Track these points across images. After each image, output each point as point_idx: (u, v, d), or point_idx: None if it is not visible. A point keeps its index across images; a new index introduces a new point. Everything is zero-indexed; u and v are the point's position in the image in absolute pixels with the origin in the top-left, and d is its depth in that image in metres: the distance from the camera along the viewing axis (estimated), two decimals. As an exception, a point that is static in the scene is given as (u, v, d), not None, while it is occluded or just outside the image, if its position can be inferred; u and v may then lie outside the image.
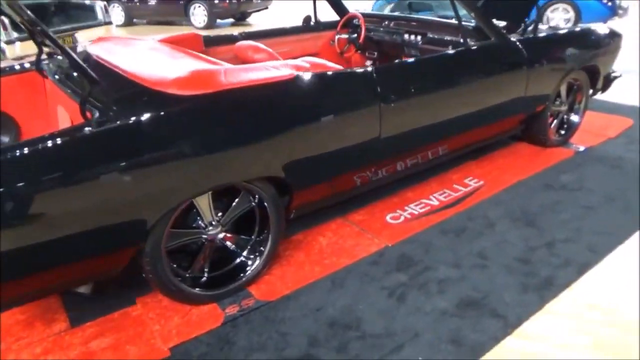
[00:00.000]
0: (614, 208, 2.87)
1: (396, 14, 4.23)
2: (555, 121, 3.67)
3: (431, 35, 3.46)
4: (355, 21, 4.02)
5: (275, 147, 2.12)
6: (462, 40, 2.88)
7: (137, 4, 11.58)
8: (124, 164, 1.74)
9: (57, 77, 2.54)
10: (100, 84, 1.86)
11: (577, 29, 3.62)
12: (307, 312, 2.13)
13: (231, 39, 3.49)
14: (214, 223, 2.15)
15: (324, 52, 4.09)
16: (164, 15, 11.54)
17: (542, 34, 3.33)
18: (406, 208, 2.94)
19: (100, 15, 7.08)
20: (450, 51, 2.85)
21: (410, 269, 2.39)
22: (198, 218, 2.13)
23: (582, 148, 3.70)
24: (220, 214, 2.19)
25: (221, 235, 2.21)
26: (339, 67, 2.52)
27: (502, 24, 3.27)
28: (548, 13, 8.52)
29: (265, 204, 2.22)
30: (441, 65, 2.79)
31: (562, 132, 3.75)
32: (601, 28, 3.71)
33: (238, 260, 2.30)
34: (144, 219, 1.84)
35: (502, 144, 3.76)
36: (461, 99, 2.87)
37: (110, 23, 7.23)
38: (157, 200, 1.84)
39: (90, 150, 1.73)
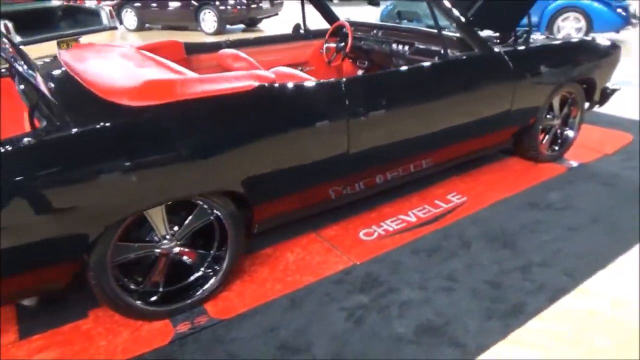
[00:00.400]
0: (599, 230, 2.73)
1: (386, 23, 4.12)
2: (547, 136, 3.54)
3: (418, 46, 3.37)
4: (344, 30, 3.95)
5: (232, 161, 2.06)
6: (442, 52, 2.78)
7: (150, 9, 11.69)
8: (63, 175, 1.69)
9: (20, 85, 2.53)
10: (46, 94, 1.83)
11: (571, 40, 3.48)
12: (259, 333, 2.05)
13: (214, 47, 3.46)
14: (167, 237, 2.10)
15: (314, 60, 4.03)
16: (175, 20, 11.64)
17: (532, 45, 3.21)
18: (382, 224, 2.85)
19: (105, 20, 7.14)
20: (428, 63, 2.76)
21: (373, 290, 2.29)
22: (152, 231, 2.08)
23: (575, 164, 3.55)
24: (176, 227, 2.13)
25: (176, 250, 2.15)
26: (309, 78, 2.46)
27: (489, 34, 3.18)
28: (559, 22, 8.32)
29: (223, 219, 2.16)
30: (417, 77, 2.69)
31: (556, 147, 3.61)
32: (598, 40, 3.57)
33: (195, 275, 2.24)
34: (85, 233, 1.79)
35: (493, 158, 3.64)
36: (440, 113, 2.77)
37: (115, 28, 7.28)
38: (98, 214, 1.79)
39: (28, 160, 1.69)
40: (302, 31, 4.03)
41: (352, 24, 3.92)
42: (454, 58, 2.83)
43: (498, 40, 3.38)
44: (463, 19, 2.85)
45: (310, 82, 2.33)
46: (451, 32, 3.24)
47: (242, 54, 3.12)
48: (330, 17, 4.01)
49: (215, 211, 2.14)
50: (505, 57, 2.97)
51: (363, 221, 2.88)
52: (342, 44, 3.76)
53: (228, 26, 11.37)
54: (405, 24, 4.40)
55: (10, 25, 5.89)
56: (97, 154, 1.78)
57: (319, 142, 2.31)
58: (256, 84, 2.12)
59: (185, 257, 2.21)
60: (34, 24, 6.60)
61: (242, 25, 12.10)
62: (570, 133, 3.63)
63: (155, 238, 2.09)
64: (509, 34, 3.29)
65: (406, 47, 3.45)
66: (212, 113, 2.03)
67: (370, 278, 2.38)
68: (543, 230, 2.74)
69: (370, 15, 4.74)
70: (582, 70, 3.38)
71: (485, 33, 3.43)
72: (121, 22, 12.40)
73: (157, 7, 11.53)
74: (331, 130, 2.33)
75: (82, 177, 1.73)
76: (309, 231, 2.79)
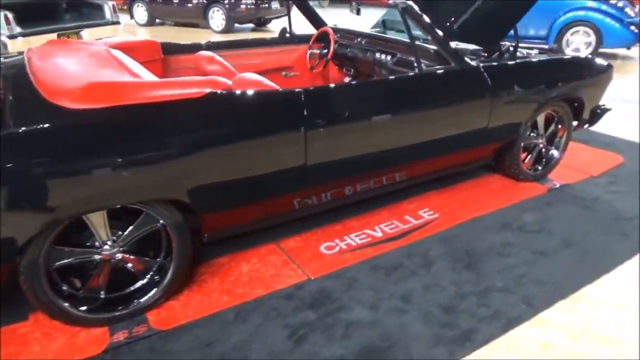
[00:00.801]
0: (568, 256, 2.62)
1: (371, 31, 4.04)
2: (531, 154, 3.43)
3: (401, 56, 3.29)
4: (329, 36, 3.89)
5: (177, 169, 2.00)
6: (415, 64, 2.70)
7: (160, 4, 11.75)
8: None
9: None
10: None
11: (560, 57, 3.37)
12: (196, 347, 2.00)
13: (194, 49, 3.41)
14: (109, 243, 2.05)
15: (298, 66, 3.97)
16: (184, 17, 11.67)
17: (514, 61, 3.11)
18: (345, 238, 2.77)
19: (108, 14, 7.17)
20: (398, 76, 2.69)
21: (322, 307, 2.22)
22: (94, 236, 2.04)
23: (557, 185, 3.44)
24: (120, 233, 2.09)
25: (119, 256, 2.10)
26: (272, 86, 2.40)
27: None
28: (568, 36, 8.15)
29: (168, 228, 2.10)
30: (386, 90, 2.62)
31: (539, 166, 3.50)
32: (589, 57, 3.46)
33: (139, 283, 2.19)
34: (12, 237, 1.75)
35: (473, 174, 3.54)
36: (410, 127, 2.70)
37: (118, 23, 7.31)
38: (27, 218, 1.75)
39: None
40: (287, 35, 3.98)
41: (338, 30, 3.86)
42: (427, 72, 2.75)
43: (485, 54, 3.30)
44: (440, 32, 2.76)
45: (267, 91, 2.27)
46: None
47: (217, 57, 3.07)
48: (316, 22, 3.95)
49: (160, 219, 2.09)
50: (484, 72, 2.87)
51: (327, 234, 2.81)
52: (325, 50, 3.69)
53: (237, 25, 11.37)
54: (392, 34, 4.30)
55: (10, 16, 5.91)
56: (30, 156, 1.74)
57: (274, 153, 2.25)
58: (207, 90, 2.06)
59: (130, 265, 2.16)
60: (37, 15, 6.64)
61: (251, 25, 12.10)
62: (555, 153, 3.52)
63: (97, 243, 2.05)
64: (492, 48, 3.20)
65: (389, 57, 3.37)
66: (156, 119, 1.98)
67: (322, 294, 2.31)
68: (511, 253, 2.65)
69: (372, 20, 4.66)
70: (569, 88, 3.27)
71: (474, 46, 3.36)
72: (132, 17, 12.49)
73: (167, 3, 11.58)
74: (287, 141, 2.26)
75: (12, 179, 1.69)
76: (269, 241, 2.73)
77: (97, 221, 1.99)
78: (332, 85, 2.42)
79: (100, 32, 7.13)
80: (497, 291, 2.34)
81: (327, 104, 2.38)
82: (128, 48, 3.10)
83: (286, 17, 11.64)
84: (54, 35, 6.41)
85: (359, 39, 3.67)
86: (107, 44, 3.07)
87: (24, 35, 6.07)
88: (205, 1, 10.96)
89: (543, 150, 3.49)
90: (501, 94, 2.93)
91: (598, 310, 2.24)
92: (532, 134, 3.38)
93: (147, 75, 2.40)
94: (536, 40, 8.15)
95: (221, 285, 2.37)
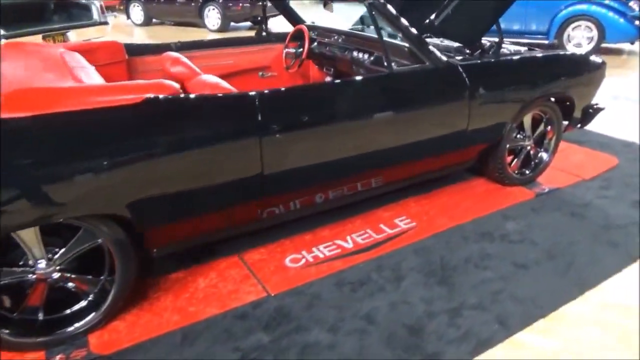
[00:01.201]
0: (551, 269, 2.44)
1: (349, 29, 3.85)
2: (517, 157, 3.24)
3: (377, 55, 3.11)
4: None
5: (112, 182, 1.84)
6: (385, 64, 2.52)
7: (156, 4, 11.63)
8: None
9: None
10: None
11: (547, 53, 3.17)
12: (135, 373, 1.85)
13: (161, 49, 3.25)
14: (44, 261, 1.90)
15: (276, 66, 3.81)
16: (179, 16, 11.55)
17: (495, 59, 2.92)
18: (313, 249, 2.61)
19: (95, 15, 7.04)
20: (361, 77, 2.52)
21: (279, 328, 2.06)
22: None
23: (546, 189, 3.25)
24: (58, 250, 1.94)
25: (56, 275, 1.95)
26: (230, 89, 2.24)
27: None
28: (569, 31, 7.89)
29: (107, 244, 1.95)
30: (350, 92, 2.44)
31: (527, 170, 3.30)
32: (579, 54, 3.26)
33: (82, 303, 2.04)
34: None
35: (457, 179, 3.36)
36: (379, 130, 2.52)
37: (106, 23, 7.17)
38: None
39: None
40: (264, 34, 3.82)
41: (315, 28, 3.68)
42: (398, 71, 2.57)
43: (468, 52, 3.11)
44: (412, 30, 2.58)
45: (216, 95, 2.11)
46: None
47: (182, 59, 2.91)
48: (293, 19, 3.78)
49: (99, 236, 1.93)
50: (462, 71, 2.69)
51: (295, 245, 2.65)
52: (301, 49, 3.52)
53: (234, 24, 11.21)
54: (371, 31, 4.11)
55: (-8, 18, 5.79)
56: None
57: (225, 162, 2.08)
58: (145, 96, 1.90)
59: (71, 284, 2.02)
60: (24, 17, 6.53)
61: (248, 23, 11.93)
62: (544, 155, 3.32)
63: (30, 262, 1.90)
64: (474, 45, 3.01)
65: (366, 56, 3.19)
66: (88, 127, 1.82)
67: (280, 313, 2.15)
68: (489, 265, 2.46)
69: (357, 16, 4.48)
70: (557, 87, 3.08)
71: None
72: (128, 17, 12.39)
73: (163, 2, 11.46)
74: (239, 149, 2.10)
75: None
76: (232, 253, 2.57)
77: (29, 238, 1.84)
78: (288, 87, 2.25)
79: (87, 33, 7.01)
80: (470, 308, 2.16)
81: (285, 108, 2.21)
82: (88, 50, 2.96)
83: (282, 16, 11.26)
84: (38, 37, 6.30)
85: (335, 37, 3.50)
86: (66, 45, 2.94)
87: (7, 37, 5.95)
88: (200, 0, 10.83)
89: (531, 152, 3.30)
90: (481, 94, 2.74)
91: (579, 330, 2.06)
92: (518, 136, 3.19)
93: (93, 80, 2.25)
94: (537, 36, 7.91)
95: (174, 302, 2.22)
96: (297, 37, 3.64)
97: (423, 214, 2.95)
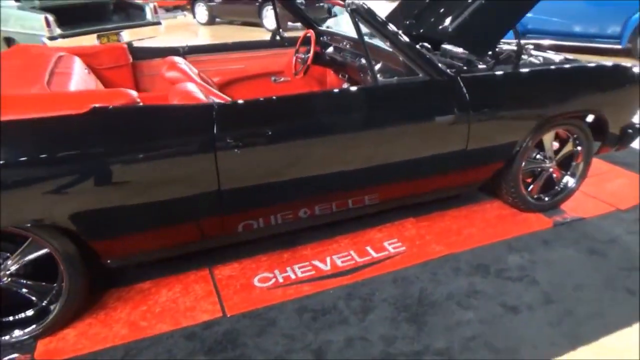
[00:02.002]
0: (545, 315, 2.12)
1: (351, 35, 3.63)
2: (536, 181, 2.89)
3: (384, 63, 2.89)
4: (323, 39, 3.57)
5: (52, 192, 1.82)
6: (370, 76, 2.32)
7: (219, 4, 11.93)
8: None
9: None
10: None
11: (575, 65, 2.78)
12: (66, 388, 1.82)
13: (167, 53, 3.25)
14: (-8, 267, 1.93)
15: (289, 70, 3.69)
16: (240, 15, 11.76)
17: (504, 71, 2.60)
18: (288, 269, 2.47)
19: (149, 15, 7.32)
20: (338, 90, 2.33)
21: (220, 354, 1.95)
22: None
23: (568, 219, 2.87)
24: (10, 255, 1.96)
25: (6, 280, 1.97)
26: (202, 99, 2.16)
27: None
28: (648, 34, 7.05)
29: (54, 254, 1.94)
30: (322, 105, 2.27)
31: (546, 196, 2.93)
32: (614, 65, 2.84)
33: (29, 312, 2.04)
34: None
35: (469, 200, 3.06)
36: (359, 147, 2.33)
37: (158, 23, 7.44)
38: None
39: None
40: (278, 38, 3.72)
41: (328, 33, 3.52)
42: (384, 83, 2.36)
43: (481, 61, 2.82)
44: (402, 37, 2.36)
45: (168, 106, 2.04)
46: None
47: (180, 63, 2.88)
48: (307, 22, 3.64)
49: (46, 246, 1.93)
50: (461, 84, 2.42)
51: (270, 262, 2.53)
52: (308, 55, 3.38)
53: (290, 24, 11.23)
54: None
55: (51, 18, 6.18)
56: None
57: (176, 176, 2.00)
58: (92, 106, 1.85)
59: (24, 290, 2.03)
60: (84, 17, 6.92)
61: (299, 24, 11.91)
62: (570, 180, 2.94)
63: (-19, 266, 1.93)
64: (483, 55, 2.72)
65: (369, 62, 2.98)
66: (31, 136, 1.81)
67: (228, 337, 2.04)
68: (472, 305, 2.20)
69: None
70: (583, 103, 2.71)
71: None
72: (194, 16, 12.83)
73: (226, 2, 11.73)
74: (191, 163, 2.00)
75: None
76: (205, 266, 2.50)
77: (-24, 244, 1.87)
78: (249, 100, 2.12)
79: (140, 33, 7.31)
80: (434, 354, 1.93)
81: (245, 121, 2.09)
82: (91, 54, 3.02)
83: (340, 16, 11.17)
84: (93, 36, 6.65)
85: (343, 43, 3.32)
86: (70, 49, 3.00)
87: (63, 36, 6.34)
88: (260, 0, 10.95)
89: (554, 176, 2.93)
90: (483, 110, 2.46)
91: (559, 394, 1.77)
92: (537, 157, 2.84)
93: (71, 87, 2.25)
94: (606, 40, 7.16)
95: (129, 315, 2.18)
96: (308, 41, 3.49)
97: (417, 238, 2.71)
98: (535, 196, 2.89)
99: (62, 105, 1.84)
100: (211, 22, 12.51)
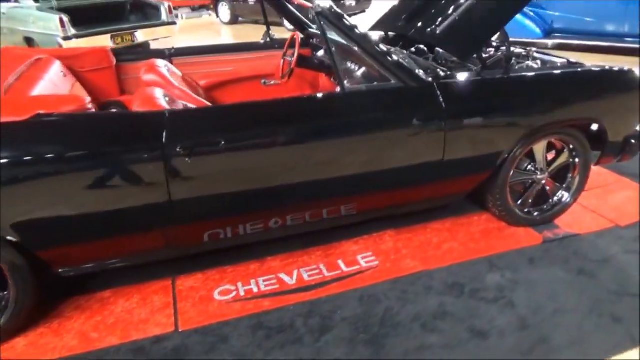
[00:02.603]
0: (516, 342, 1.96)
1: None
2: (527, 193, 2.70)
3: (365, 68, 2.76)
4: (311, 41, 3.46)
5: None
6: (338, 81, 2.20)
7: (241, 3, 11.94)
8: None
9: None
10: None
11: (567, 70, 2.57)
12: (2, 401, 1.79)
13: (152, 55, 3.21)
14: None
15: (279, 73, 3.59)
16: (261, 15, 11.72)
17: (483, 77, 2.42)
18: (252, 281, 2.38)
19: (164, 15, 7.37)
20: (303, 96, 2.22)
21: (164, 372, 1.88)
22: None
23: (561, 235, 2.66)
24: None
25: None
26: (163, 106, 2.10)
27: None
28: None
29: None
30: (282, 113, 2.16)
31: (535, 210, 2.73)
32: (615, 70, 2.61)
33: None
34: None
35: (456, 211, 2.89)
36: (324, 157, 2.21)
37: (173, 24, 7.49)
38: None
39: None
40: (268, 40, 3.63)
41: (317, 36, 3.40)
42: (351, 90, 2.23)
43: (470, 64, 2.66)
44: (372, 42, 2.23)
45: (116, 113, 2.00)
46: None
47: (160, 66, 2.82)
48: (298, 24, 3.53)
49: None
50: (438, 91, 2.27)
51: (235, 274, 2.44)
52: (293, 58, 3.27)
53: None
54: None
55: (65, 19, 6.29)
56: None
57: (121, 186, 1.93)
58: (40, 112, 1.81)
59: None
60: (94, 17, 7.01)
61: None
62: (564, 195, 2.73)
63: None
64: (467, 59, 2.55)
65: (356, 67, 2.86)
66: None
67: (176, 354, 1.96)
68: (439, 328, 2.05)
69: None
70: (578, 111, 2.51)
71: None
72: (217, 15, 12.90)
73: (248, 1, 11.72)
74: (140, 172, 1.94)
75: None
76: (168, 276, 2.44)
77: None
78: (202, 107, 2.04)
79: (155, 33, 7.37)
80: (386, 382, 1.80)
81: (196, 130, 2.01)
82: (73, 56, 3.01)
83: (362, 15, 11.04)
84: (107, 37, 6.74)
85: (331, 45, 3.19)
86: (52, 52, 3.00)
87: (77, 36, 6.44)
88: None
89: (547, 189, 2.73)
90: (461, 119, 2.30)
91: None
92: (529, 168, 2.65)
93: (36, 91, 2.23)
94: (630, 39, 6.75)
95: (82, 325, 2.13)
96: (293, 44, 3.39)
97: (394, 252, 2.57)
98: (525, 210, 2.70)
99: (8, 111, 1.80)
100: (234, 21, 12.54)
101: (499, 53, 2.73)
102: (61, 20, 6.25)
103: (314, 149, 2.19)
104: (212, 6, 13.91)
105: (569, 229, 2.71)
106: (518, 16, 7.65)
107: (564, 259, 2.47)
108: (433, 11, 2.91)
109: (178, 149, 1.93)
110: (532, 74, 2.49)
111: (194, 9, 15.28)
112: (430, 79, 2.31)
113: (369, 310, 2.16)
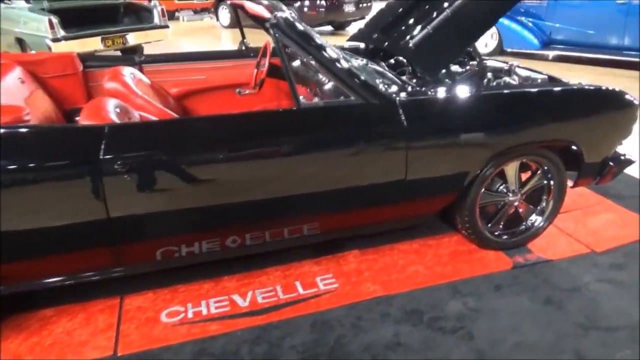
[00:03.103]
0: (469, 380, 1.84)
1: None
2: (498, 215, 2.58)
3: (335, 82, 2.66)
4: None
5: None
6: (293, 96, 2.10)
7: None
8: None
9: None
10: None
11: (543, 88, 2.46)
12: None
13: (121, 61, 3.13)
14: None
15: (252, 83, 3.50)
16: (260, 19, 11.66)
17: (450, 95, 2.31)
18: (202, 302, 2.28)
19: (156, 18, 7.31)
20: (254, 112, 2.13)
21: (93, 401, 1.78)
22: None
23: (532, 260, 2.54)
24: None
25: None
26: (112, 119, 2.01)
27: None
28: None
29: None
30: (228, 129, 2.06)
31: (504, 234, 2.60)
32: (594, 89, 2.49)
33: None
34: None
35: (428, 231, 2.77)
36: (276, 175, 2.11)
37: (166, 27, 7.42)
38: None
39: None
40: (243, 48, 3.53)
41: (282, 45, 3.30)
42: (307, 106, 2.13)
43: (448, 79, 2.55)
44: (330, 55, 2.13)
45: (61, 126, 1.90)
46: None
47: (123, 74, 2.73)
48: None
49: None
50: (400, 109, 2.16)
51: (187, 294, 2.34)
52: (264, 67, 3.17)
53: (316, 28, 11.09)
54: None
55: (55, 20, 6.23)
56: None
57: (57, 202, 1.84)
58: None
59: None
60: (85, 19, 6.96)
61: (330, 28, 11.73)
62: (538, 219, 2.61)
63: None
64: (435, 75, 2.44)
65: (326, 80, 2.76)
66: None
67: (109, 381, 1.86)
68: (389, 360, 1.94)
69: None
70: (550, 131, 2.39)
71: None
72: (217, 19, 12.86)
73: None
74: (76, 189, 1.84)
75: None
76: (118, 294, 2.34)
77: None
78: (144, 121, 1.95)
79: (148, 36, 7.31)
80: (324, 421, 1.69)
81: (138, 144, 1.91)
82: (36, 62, 2.92)
83: (362, 21, 11.01)
84: (97, 39, 6.68)
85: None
86: (15, 57, 2.92)
87: (67, 38, 6.39)
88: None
89: (521, 211, 2.61)
90: (423, 138, 2.19)
91: None
92: (500, 189, 2.53)
93: None
94: (629, 52, 6.61)
95: (18, 346, 2.04)
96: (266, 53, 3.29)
97: (355, 274, 2.45)
98: (496, 233, 2.58)
99: None
100: (234, 25, 12.49)
101: (472, 69, 2.63)
102: (50, 22, 6.19)
103: (266, 166, 2.08)
104: (212, 9, 13.89)
105: (541, 254, 2.59)
106: (516, 27, 7.64)
107: (532, 287, 2.34)
108: (408, 23, 2.81)
109: (116, 165, 1.84)
110: (504, 91, 2.37)
111: (195, 12, 15.26)
112: (392, 96, 2.20)
113: (319, 338, 2.05)
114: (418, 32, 2.67)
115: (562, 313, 2.17)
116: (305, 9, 10.35)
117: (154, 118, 2.39)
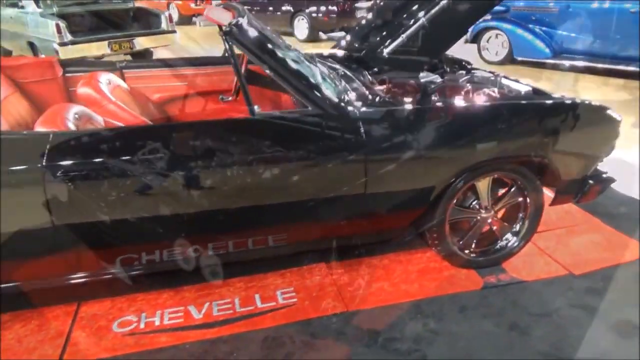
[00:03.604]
0: (413, 407, 1.75)
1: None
2: (470, 232, 2.48)
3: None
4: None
5: None
6: (248, 106, 2.06)
7: (251, 13, 11.95)
8: None
9: None
10: None
11: (517, 101, 2.36)
12: None
13: (102, 67, 3.13)
14: None
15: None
16: (273, 25, 11.70)
17: (416, 106, 2.24)
18: (157, 312, 2.24)
19: (164, 24, 7.39)
20: (205, 121, 2.10)
21: (26, 412, 1.75)
22: None
23: (504, 281, 2.43)
24: None
25: None
26: (69, 127, 2.00)
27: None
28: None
29: None
30: (174, 138, 2.02)
31: (473, 252, 2.50)
32: (569, 102, 2.38)
33: None
34: None
35: (401, 246, 2.68)
36: (227, 186, 2.06)
37: (173, 32, 7.50)
38: None
39: None
40: (227, 54, 3.50)
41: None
42: (262, 116, 2.08)
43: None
44: (289, 65, 2.08)
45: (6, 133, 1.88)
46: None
47: (98, 79, 2.73)
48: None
49: None
50: (359, 122, 2.09)
51: (145, 302, 2.31)
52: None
53: (326, 34, 11.08)
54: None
55: (62, 25, 6.35)
56: None
57: (4, 210, 1.83)
58: None
59: None
60: (100, 23, 7.09)
61: (342, 33, 11.71)
62: (512, 237, 2.51)
63: None
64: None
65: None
66: None
67: (47, 392, 1.84)
68: (334, 382, 1.86)
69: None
70: (522, 147, 2.29)
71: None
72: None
73: (260, 11, 11.74)
74: (20, 196, 1.83)
75: None
76: (75, 301, 2.32)
77: None
78: (85, 130, 1.92)
79: (155, 41, 7.39)
80: None
81: (83, 152, 1.89)
82: (13, 67, 2.95)
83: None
84: (104, 43, 6.78)
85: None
86: (-3, 60, 2.95)
87: (74, 43, 6.49)
88: (291, 9, 10.87)
89: (495, 229, 2.51)
90: (384, 151, 2.11)
91: None
92: (472, 205, 2.44)
93: None
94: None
95: (-34, 351, 2.03)
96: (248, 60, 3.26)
97: (317, 288, 2.39)
98: (466, 251, 2.48)
99: None
100: (248, 30, 12.59)
101: (444, 81, 2.54)
102: (57, 26, 6.31)
103: (220, 176, 2.04)
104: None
105: (515, 274, 2.47)
106: (527, 35, 7.47)
107: (499, 310, 2.24)
108: (384, 33, 2.75)
109: (59, 173, 1.82)
110: (476, 104, 2.28)
111: (213, 17, 15.40)
112: (350, 107, 2.13)
113: (268, 355, 1.99)
114: (391, 42, 2.61)
115: (525, 339, 2.06)
116: (318, 15, 10.34)
117: (119, 124, 2.38)
